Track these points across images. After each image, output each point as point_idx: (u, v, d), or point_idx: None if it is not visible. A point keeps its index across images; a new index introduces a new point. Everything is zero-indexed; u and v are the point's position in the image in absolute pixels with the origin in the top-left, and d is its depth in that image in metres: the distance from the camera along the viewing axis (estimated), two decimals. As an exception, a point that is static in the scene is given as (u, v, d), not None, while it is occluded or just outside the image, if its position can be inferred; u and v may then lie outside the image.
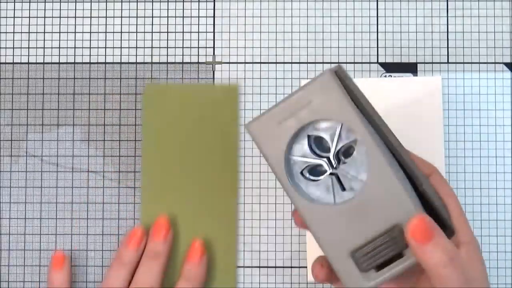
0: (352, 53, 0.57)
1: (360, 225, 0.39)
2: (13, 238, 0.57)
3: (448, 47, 0.57)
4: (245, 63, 0.57)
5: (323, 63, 0.57)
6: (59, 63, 0.58)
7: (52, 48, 0.58)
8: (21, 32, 0.58)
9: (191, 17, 0.58)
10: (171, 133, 0.53)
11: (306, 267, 0.56)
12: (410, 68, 0.57)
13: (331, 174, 0.40)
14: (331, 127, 0.40)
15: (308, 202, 0.40)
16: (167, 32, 0.58)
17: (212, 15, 0.58)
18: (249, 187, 0.56)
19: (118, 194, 0.57)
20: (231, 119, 0.53)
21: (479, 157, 0.56)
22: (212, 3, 0.58)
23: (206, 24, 0.58)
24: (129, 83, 0.57)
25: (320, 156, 0.41)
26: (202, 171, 0.53)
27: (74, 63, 0.58)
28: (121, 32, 0.58)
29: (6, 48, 0.58)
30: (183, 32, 0.58)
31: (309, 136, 0.41)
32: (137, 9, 0.58)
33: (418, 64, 0.57)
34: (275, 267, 0.56)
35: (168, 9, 0.58)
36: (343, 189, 0.40)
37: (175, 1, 0.58)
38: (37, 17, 0.58)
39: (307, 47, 0.57)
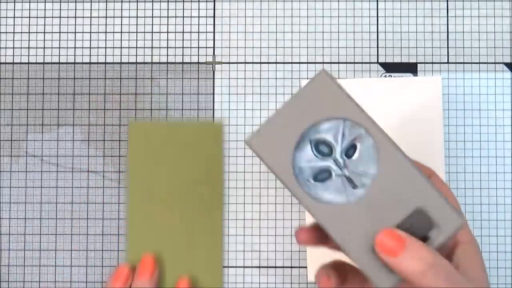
0: (352, 53, 0.57)
1: (379, 218, 0.39)
2: (13, 238, 0.56)
3: (448, 47, 0.57)
4: (245, 63, 0.57)
5: (323, 63, 0.57)
6: (59, 63, 0.58)
7: (52, 48, 0.58)
8: (21, 32, 0.58)
9: (191, 17, 0.58)
10: (156, 170, 0.55)
11: (306, 267, 0.56)
12: (410, 68, 0.57)
13: (340, 174, 0.40)
14: (332, 127, 0.40)
15: (324, 206, 0.40)
16: (167, 32, 0.58)
17: (212, 15, 0.58)
18: (249, 187, 0.56)
19: (118, 194, 0.57)
20: (216, 155, 0.55)
21: (479, 157, 0.56)
22: (212, 3, 0.58)
23: (206, 24, 0.58)
24: (129, 83, 0.57)
25: (326, 159, 0.41)
26: (188, 207, 0.54)
27: (74, 63, 0.58)
28: (121, 32, 0.58)
29: (6, 48, 0.58)
30: (183, 32, 0.58)
31: (310, 141, 0.40)
32: (137, 9, 0.58)
33: (418, 64, 0.57)
34: (275, 267, 0.56)
35: (168, 9, 0.58)
36: (355, 186, 0.40)
37: (175, 1, 0.58)
38: (37, 17, 0.58)
39: (307, 47, 0.57)
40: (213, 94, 0.57)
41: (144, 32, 0.58)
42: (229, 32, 0.58)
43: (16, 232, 0.57)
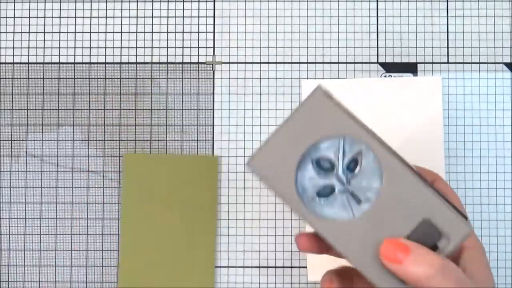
0: (352, 53, 0.57)
1: (386, 231, 0.39)
2: (13, 238, 0.56)
3: (448, 47, 0.57)
4: (245, 63, 0.57)
5: (323, 63, 0.57)
6: (59, 63, 0.58)
7: (52, 48, 0.58)
8: (21, 32, 0.58)
9: (191, 17, 0.58)
10: (151, 202, 0.55)
11: (306, 267, 0.56)
12: (410, 68, 0.57)
13: (343, 190, 0.40)
14: (332, 145, 0.40)
15: (330, 223, 0.39)
16: (167, 32, 0.58)
17: (212, 15, 0.58)
18: (249, 187, 0.56)
19: (118, 194, 0.57)
20: (210, 189, 0.56)
21: (479, 157, 0.56)
22: (212, 3, 0.58)
23: (206, 24, 0.58)
24: (129, 83, 0.57)
25: (328, 176, 0.40)
26: (181, 241, 0.56)
27: (74, 63, 0.58)
28: (121, 32, 0.58)
29: (6, 48, 0.58)
30: (183, 32, 0.58)
31: (312, 160, 0.40)
32: (137, 9, 0.58)
33: (418, 64, 0.57)
34: (275, 267, 0.56)
35: (168, 9, 0.58)
36: (359, 201, 0.40)
37: (175, 1, 0.58)
38: (37, 17, 0.58)
39: (307, 47, 0.57)
40: (213, 94, 0.57)
41: (144, 32, 0.58)
42: (229, 32, 0.58)
43: (16, 232, 0.57)
